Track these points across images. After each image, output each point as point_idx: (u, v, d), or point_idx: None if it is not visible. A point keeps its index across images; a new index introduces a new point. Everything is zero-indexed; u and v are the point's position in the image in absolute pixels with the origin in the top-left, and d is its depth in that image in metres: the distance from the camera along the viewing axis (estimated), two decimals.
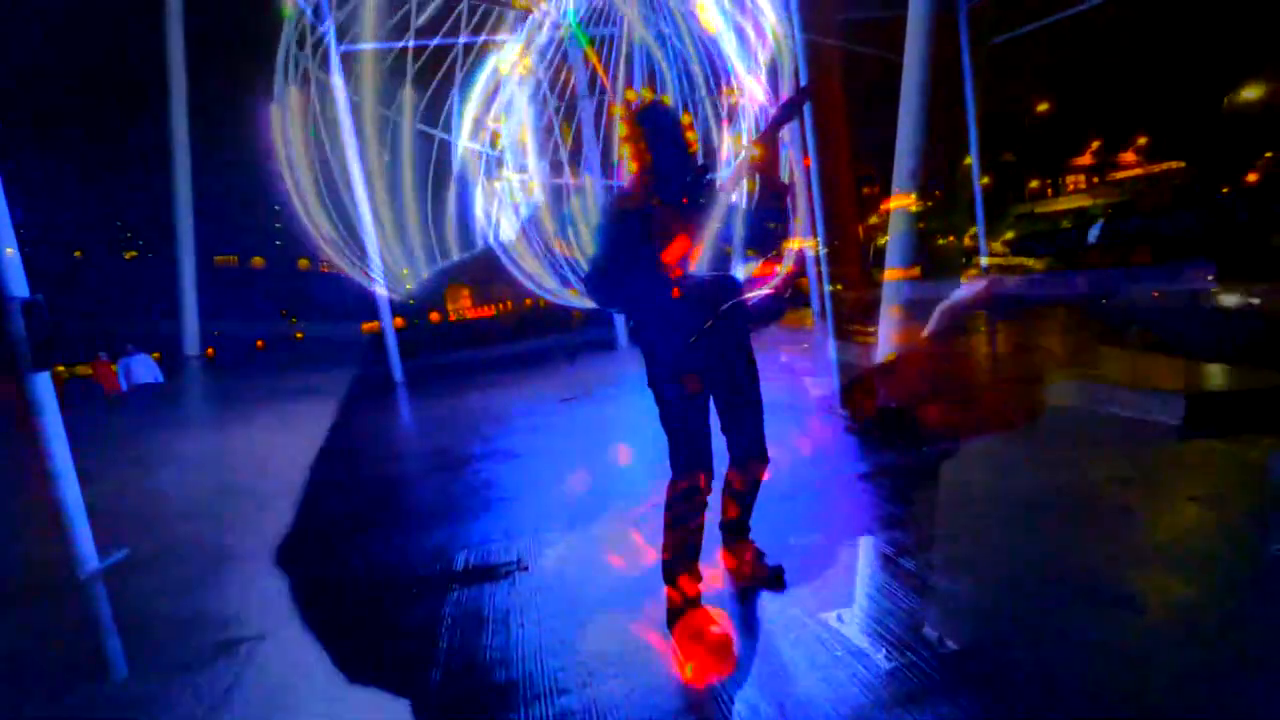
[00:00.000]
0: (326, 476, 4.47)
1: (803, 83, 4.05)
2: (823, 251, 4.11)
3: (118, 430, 7.46)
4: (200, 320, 11.63)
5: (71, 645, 2.54)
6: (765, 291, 3.11)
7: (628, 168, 2.16)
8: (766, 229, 2.12)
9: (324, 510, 3.78)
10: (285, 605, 2.63)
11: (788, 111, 2.20)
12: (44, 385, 2.87)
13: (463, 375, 8.79)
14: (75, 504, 2.94)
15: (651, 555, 2.11)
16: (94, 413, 8.64)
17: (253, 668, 2.19)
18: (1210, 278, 7.23)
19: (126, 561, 3.19)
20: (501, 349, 11.36)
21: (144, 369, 9.74)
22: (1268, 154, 30.95)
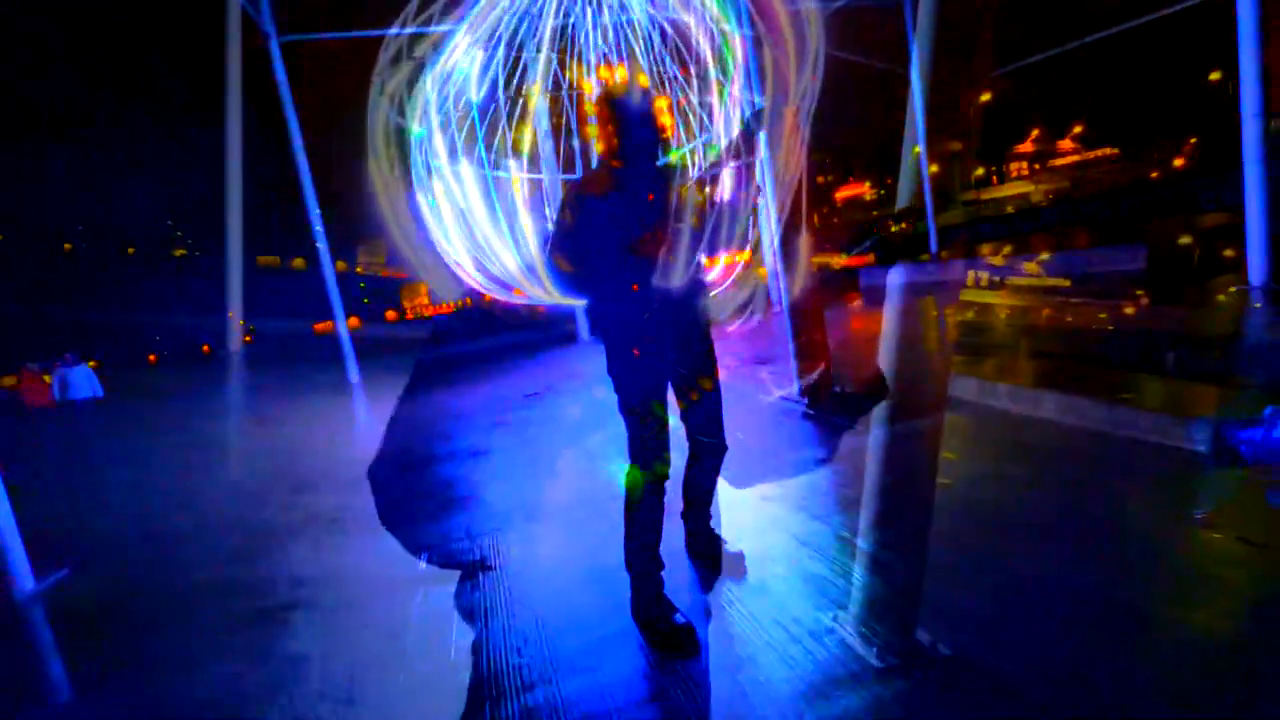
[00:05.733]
0: (279, 482, 4.33)
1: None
2: (777, 243, 4.17)
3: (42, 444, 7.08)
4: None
5: (7, 669, 2.42)
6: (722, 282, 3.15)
7: (594, 149, 2.13)
8: (732, 223, 2.14)
9: (278, 517, 3.67)
10: (251, 610, 2.56)
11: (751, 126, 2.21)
12: None
13: (422, 374, 8.64)
14: (7, 522, 2.80)
15: (613, 546, 2.12)
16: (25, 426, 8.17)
17: (213, 681, 2.13)
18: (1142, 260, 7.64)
19: (68, 580, 3.04)
20: (462, 346, 11.19)
21: (82, 381, 9.13)
22: (1192, 139, 32.68)
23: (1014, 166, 48.33)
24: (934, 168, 11.01)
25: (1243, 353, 3.93)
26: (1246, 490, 2.43)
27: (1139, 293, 6.24)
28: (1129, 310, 5.70)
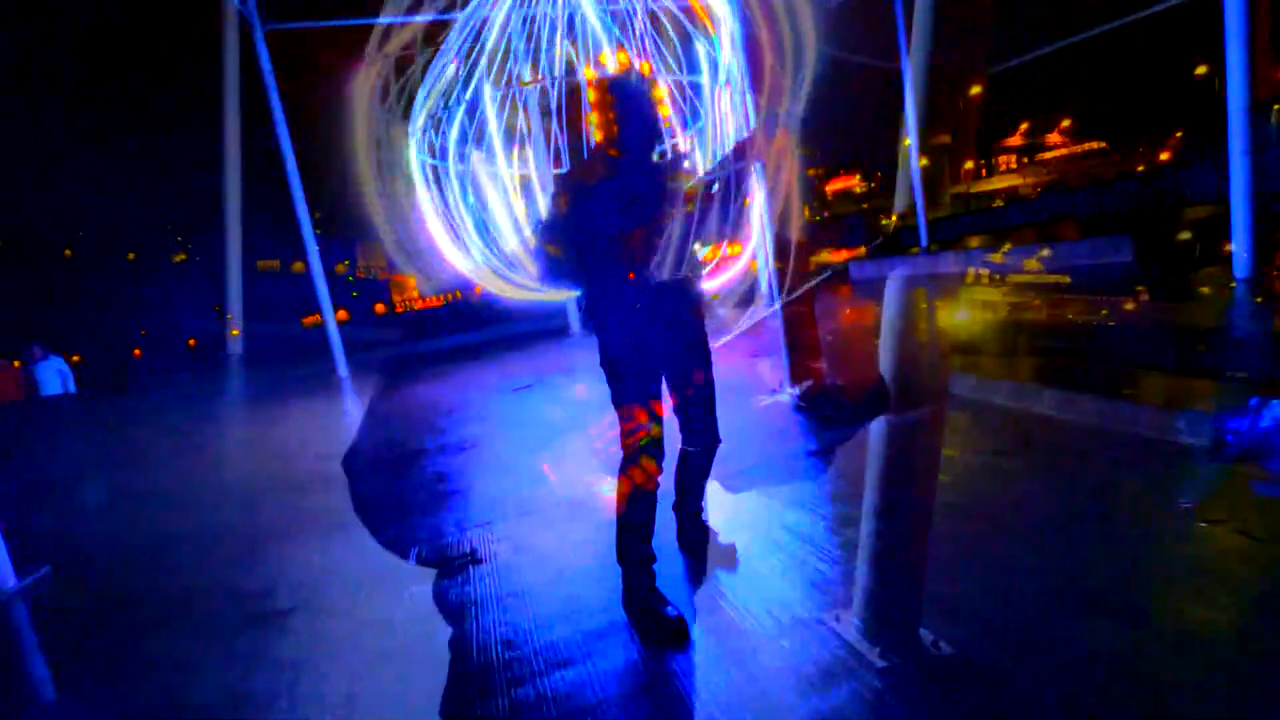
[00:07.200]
0: (267, 477, 4.29)
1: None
2: (769, 234, 4.15)
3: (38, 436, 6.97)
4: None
5: None
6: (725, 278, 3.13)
7: (593, 137, 2.10)
8: (726, 214, 2.11)
9: (264, 513, 3.64)
10: (234, 613, 2.53)
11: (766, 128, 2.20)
12: None
13: (412, 367, 8.56)
14: None
15: (605, 539, 2.11)
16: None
17: (203, 682, 2.10)
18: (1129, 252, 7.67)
19: (50, 578, 2.99)
20: (453, 339, 11.09)
21: (54, 377, 8.66)
22: (1178, 132, 32.97)
23: (1002, 160, 48.64)
24: (924, 161, 11.02)
25: (1230, 345, 3.97)
26: (1234, 482, 2.45)
27: (1139, 288, 6.27)
28: (1127, 306, 5.74)
